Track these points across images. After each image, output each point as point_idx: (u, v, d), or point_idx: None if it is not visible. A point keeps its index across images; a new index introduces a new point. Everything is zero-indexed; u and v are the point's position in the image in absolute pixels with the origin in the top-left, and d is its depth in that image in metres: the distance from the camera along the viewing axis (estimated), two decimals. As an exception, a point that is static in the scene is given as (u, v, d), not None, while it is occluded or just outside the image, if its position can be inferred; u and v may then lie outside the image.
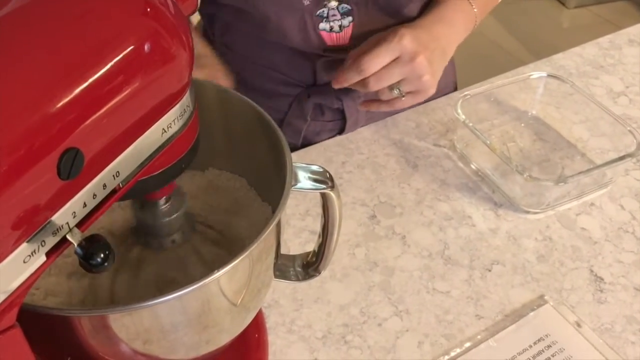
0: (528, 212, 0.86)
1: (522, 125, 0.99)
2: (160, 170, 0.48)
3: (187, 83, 0.46)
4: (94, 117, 0.39)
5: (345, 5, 0.87)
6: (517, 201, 0.87)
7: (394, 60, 0.81)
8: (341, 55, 0.89)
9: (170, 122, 0.46)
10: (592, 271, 0.80)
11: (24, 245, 0.38)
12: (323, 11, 0.87)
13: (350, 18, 0.88)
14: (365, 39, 0.87)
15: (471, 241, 0.82)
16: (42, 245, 0.39)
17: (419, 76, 0.81)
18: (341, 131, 0.99)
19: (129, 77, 0.41)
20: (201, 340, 0.55)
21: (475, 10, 0.89)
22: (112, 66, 0.40)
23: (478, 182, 0.90)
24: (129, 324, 0.49)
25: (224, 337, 0.57)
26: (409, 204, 0.87)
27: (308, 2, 0.85)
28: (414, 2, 0.90)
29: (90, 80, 0.39)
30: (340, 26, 0.89)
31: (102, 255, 0.40)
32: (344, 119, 0.98)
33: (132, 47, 0.41)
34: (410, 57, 0.80)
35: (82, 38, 0.39)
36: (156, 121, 0.45)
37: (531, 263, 0.80)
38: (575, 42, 1.19)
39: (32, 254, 0.39)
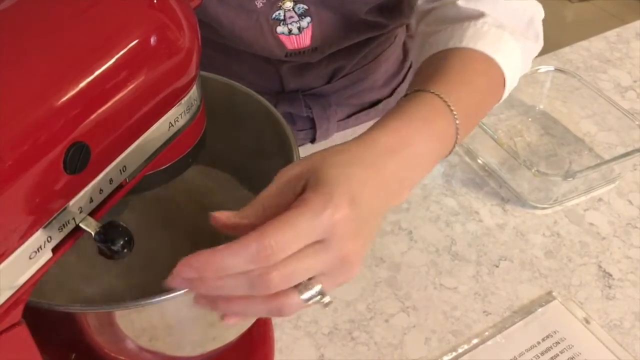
0: (535, 208, 0.85)
1: (529, 119, 0.98)
2: (167, 165, 0.48)
3: (194, 76, 0.46)
4: (100, 110, 0.38)
5: (302, 6, 0.80)
6: (524, 196, 0.86)
7: (311, 245, 0.45)
8: (304, 59, 0.85)
9: (177, 116, 0.46)
10: (600, 267, 0.79)
11: (30, 240, 0.37)
12: (279, 13, 0.80)
13: (308, 19, 0.81)
14: (327, 40, 0.82)
15: (478, 237, 0.82)
16: (49, 241, 0.39)
17: (343, 273, 0.47)
18: (313, 140, 0.95)
19: (136, 70, 0.40)
20: (208, 337, 0.54)
21: (457, 122, 0.57)
22: (118, 59, 0.39)
23: (485, 177, 0.90)
24: (135, 321, 0.49)
25: (231, 333, 0.57)
26: (416, 199, 0.86)
27: (261, 5, 0.79)
28: (369, 6, 0.82)
29: (96, 73, 0.38)
30: (299, 28, 0.81)
31: (121, 242, 0.40)
32: (314, 128, 0.94)
33: (138, 40, 0.40)
34: (340, 247, 0.45)
35: (87, 30, 0.39)
36: (163, 115, 0.44)
37: (539, 259, 0.79)
38: (579, 36, 1.18)
39: (38, 249, 0.38)
